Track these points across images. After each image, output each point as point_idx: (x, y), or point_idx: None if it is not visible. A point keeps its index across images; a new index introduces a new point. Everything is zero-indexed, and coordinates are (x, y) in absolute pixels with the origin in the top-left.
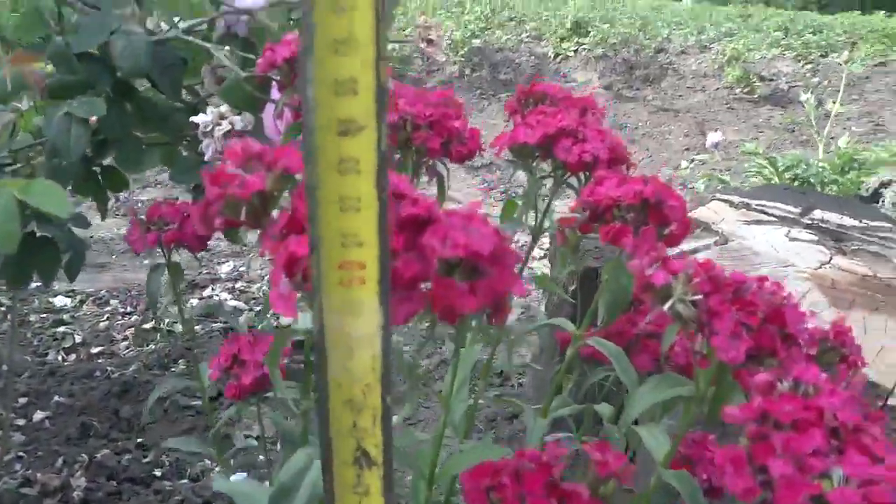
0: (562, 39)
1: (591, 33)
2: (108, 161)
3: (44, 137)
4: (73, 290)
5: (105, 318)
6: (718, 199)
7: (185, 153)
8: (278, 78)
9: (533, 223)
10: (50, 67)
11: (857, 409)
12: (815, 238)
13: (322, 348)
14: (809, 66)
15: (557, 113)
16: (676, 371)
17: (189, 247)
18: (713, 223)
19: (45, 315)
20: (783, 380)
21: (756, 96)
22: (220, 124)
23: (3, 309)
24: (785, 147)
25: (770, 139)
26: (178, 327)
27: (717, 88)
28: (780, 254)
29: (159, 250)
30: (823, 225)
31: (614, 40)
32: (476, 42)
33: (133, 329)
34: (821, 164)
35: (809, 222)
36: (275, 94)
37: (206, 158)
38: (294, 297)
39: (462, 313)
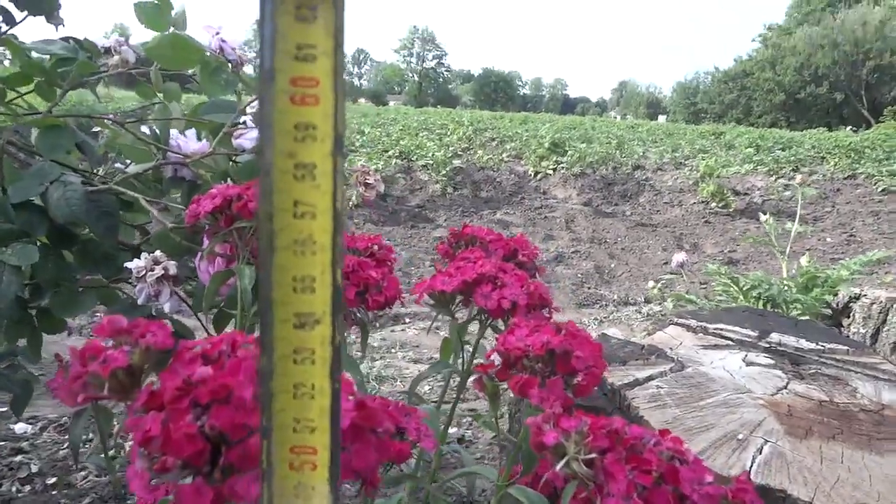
0: (541, 158)
1: (570, 152)
2: (45, 303)
3: None
4: (35, 417)
5: (65, 445)
6: (676, 324)
7: (123, 295)
8: (207, 226)
9: (461, 364)
10: None
11: None
12: (773, 362)
13: None
14: (781, 181)
15: (478, 259)
16: None
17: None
18: (670, 349)
19: (3, 443)
20: None
21: (731, 210)
22: (153, 269)
23: None
24: (762, 259)
25: (746, 252)
26: None
27: (694, 203)
28: (737, 379)
29: None
30: (781, 348)
31: (592, 158)
32: (457, 162)
33: (92, 457)
34: (785, 282)
35: (767, 346)
36: (206, 241)
37: (139, 302)
38: (147, 476)
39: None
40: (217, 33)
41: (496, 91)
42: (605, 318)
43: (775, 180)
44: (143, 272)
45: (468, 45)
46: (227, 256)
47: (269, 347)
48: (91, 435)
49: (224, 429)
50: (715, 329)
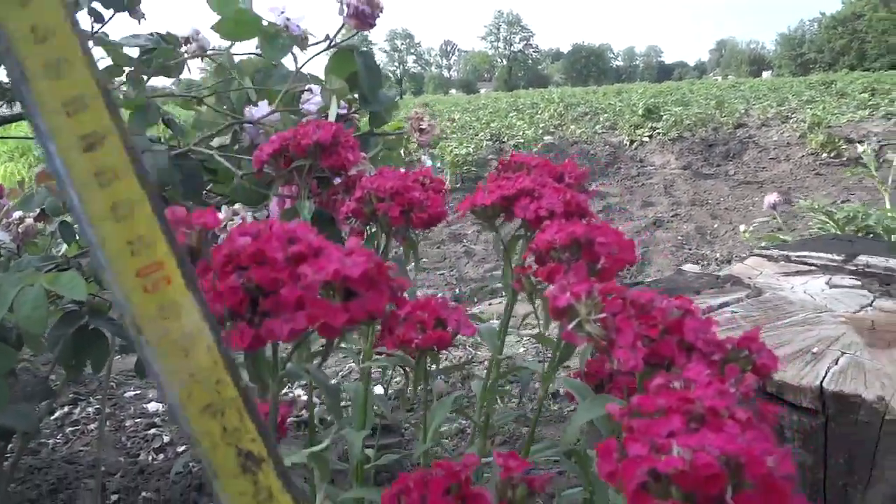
0: (635, 126)
1: (665, 117)
2: None
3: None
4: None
5: None
6: (756, 255)
7: None
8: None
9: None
10: None
11: (734, 399)
12: (859, 283)
13: (155, 366)
14: None
15: (519, 177)
16: None
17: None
18: (748, 277)
19: (139, 420)
20: (676, 382)
21: (844, 159)
22: (232, 220)
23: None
24: (880, 206)
25: (862, 199)
26: None
27: (802, 156)
28: (818, 301)
29: None
30: (869, 269)
31: (689, 121)
32: (549, 138)
33: None
34: (888, 213)
35: (854, 268)
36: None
37: None
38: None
39: (335, 326)
40: (282, 12)
41: (587, 66)
42: None
43: (894, 123)
44: (225, 223)
45: (555, 22)
46: (293, 196)
47: (68, 181)
48: None
49: (259, 282)
50: (798, 256)
